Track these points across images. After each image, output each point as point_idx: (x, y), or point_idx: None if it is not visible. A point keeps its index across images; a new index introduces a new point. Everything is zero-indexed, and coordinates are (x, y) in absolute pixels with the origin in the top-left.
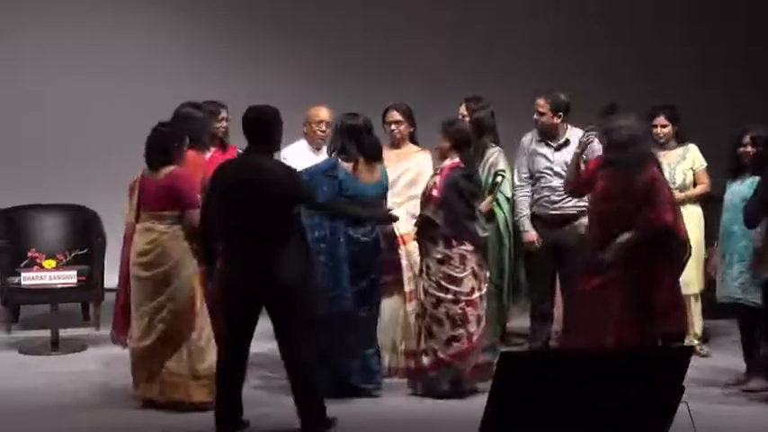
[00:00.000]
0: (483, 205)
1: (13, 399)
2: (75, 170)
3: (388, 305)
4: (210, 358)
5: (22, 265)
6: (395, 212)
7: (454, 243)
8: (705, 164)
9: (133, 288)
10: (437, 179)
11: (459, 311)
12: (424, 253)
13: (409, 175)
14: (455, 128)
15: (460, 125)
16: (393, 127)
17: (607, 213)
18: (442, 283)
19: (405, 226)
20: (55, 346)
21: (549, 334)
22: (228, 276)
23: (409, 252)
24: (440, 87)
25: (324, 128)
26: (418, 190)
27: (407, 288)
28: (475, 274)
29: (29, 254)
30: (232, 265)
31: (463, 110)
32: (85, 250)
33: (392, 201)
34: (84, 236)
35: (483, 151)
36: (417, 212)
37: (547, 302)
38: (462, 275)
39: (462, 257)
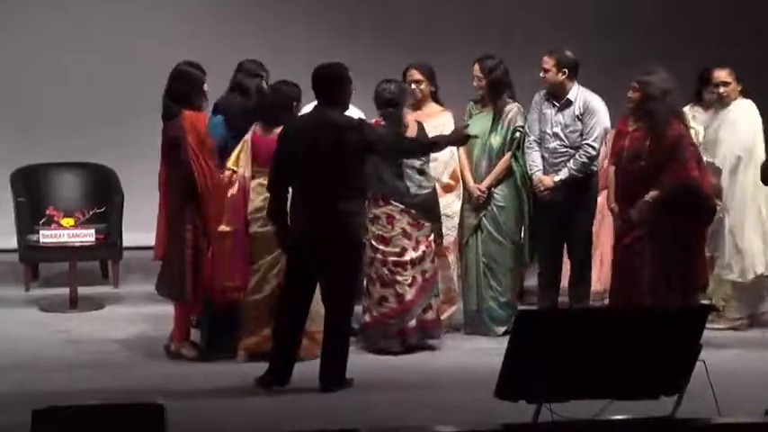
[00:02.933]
0: (501, 162)
1: (34, 355)
2: (93, 129)
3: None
4: (320, 318)
5: (41, 222)
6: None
7: (381, 203)
8: None
9: (251, 243)
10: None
11: (387, 272)
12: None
13: (432, 135)
14: (375, 93)
15: (378, 90)
16: (413, 86)
17: (633, 173)
18: (373, 242)
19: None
20: (74, 303)
21: (555, 297)
22: (297, 230)
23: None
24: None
25: None
26: (439, 152)
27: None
28: (407, 235)
29: (47, 212)
30: (302, 220)
31: (477, 70)
32: (104, 209)
33: (417, 162)
34: (102, 194)
35: (501, 109)
36: (437, 174)
37: (551, 266)
38: (390, 235)
39: (389, 217)
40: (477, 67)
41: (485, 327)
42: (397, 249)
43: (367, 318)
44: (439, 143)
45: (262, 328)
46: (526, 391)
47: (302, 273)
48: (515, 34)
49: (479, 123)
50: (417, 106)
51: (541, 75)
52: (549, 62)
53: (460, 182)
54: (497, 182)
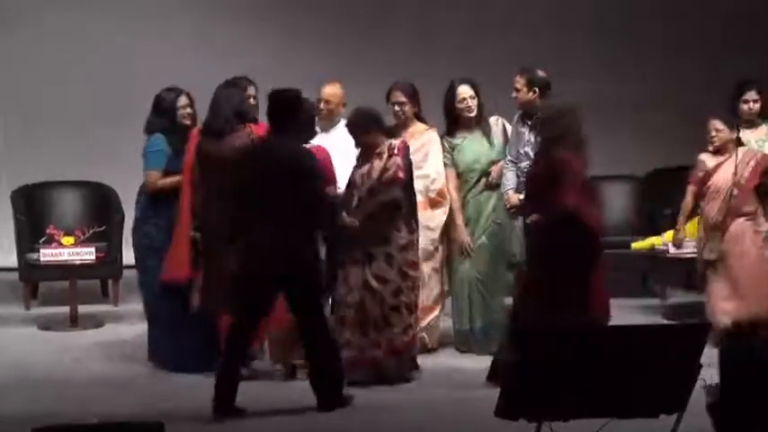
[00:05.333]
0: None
1: (34, 373)
2: (93, 147)
3: None
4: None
5: (41, 241)
6: None
7: (414, 227)
8: None
9: None
10: (397, 159)
11: (414, 298)
12: (381, 241)
13: (418, 155)
14: (366, 116)
15: (364, 111)
16: (397, 108)
17: (527, 196)
18: (404, 269)
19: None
20: (74, 321)
21: None
22: (249, 258)
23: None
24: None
25: (322, 106)
26: (428, 169)
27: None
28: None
29: (47, 230)
30: (253, 249)
31: (468, 93)
32: (104, 227)
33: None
34: (102, 213)
35: (487, 124)
36: (425, 189)
37: None
38: (418, 261)
39: (417, 242)
40: (467, 89)
41: (479, 345)
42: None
43: (379, 352)
44: (333, 227)
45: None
46: (526, 410)
47: (253, 303)
48: (515, 34)
49: (473, 147)
50: (402, 126)
51: (513, 95)
52: (520, 81)
53: (447, 198)
54: (497, 198)
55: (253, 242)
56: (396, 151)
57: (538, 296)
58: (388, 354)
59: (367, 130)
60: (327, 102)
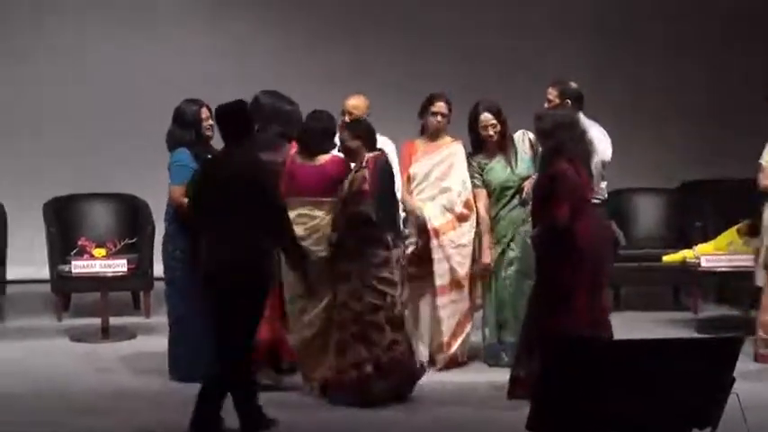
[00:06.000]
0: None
1: (65, 385)
2: (124, 159)
3: (421, 298)
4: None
5: (73, 253)
6: (427, 204)
7: (392, 243)
8: None
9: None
10: (365, 173)
11: (398, 314)
12: (355, 257)
13: (442, 166)
14: (364, 126)
15: (367, 123)
16: (439, 119)
17: (531, 210)
18: (380, 288)
19: (437, 219)
20: (105, 333)
21: None
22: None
23: (443, 245)
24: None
25: (345, 118)
26: (451, 182)
27: (438, 282)
28: (402, 278)
29: (79, 242)
30: (212, 258)
31: (491, 120)
32: (135, 239)
33: (425, 194)
34: (133, 225)
35: (514, 153)
36: (450, 204)
37: None
38: (394, 277)
39: (397, 259)
40: (488, 116)
41: (508, 359)
42: (399, 291)
43: (366, 370)
44: (290, 251)
45: (320, 361)
46: (558, 423)
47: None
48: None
49: (499, 173)
50: (433, 137)
51: (545, 105)
52: (552, 93)
53: (474, 210)
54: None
55: (210, 252)
56: (366, 164)
57: (533, 309)
58: (375, 372)
59: (357, 136)
60: (350, 114)
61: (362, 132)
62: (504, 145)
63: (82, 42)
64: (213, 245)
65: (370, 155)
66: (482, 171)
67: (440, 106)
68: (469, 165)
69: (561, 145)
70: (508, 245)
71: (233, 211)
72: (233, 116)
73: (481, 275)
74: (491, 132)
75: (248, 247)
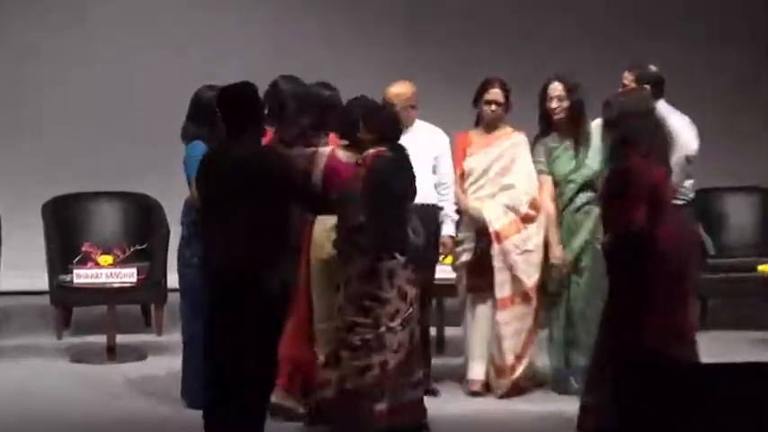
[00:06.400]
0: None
1: (66, 412)
2: (134, 153)
3: (480, 312)
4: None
5: (75, 261)
6: (487, 203)
7: (383, 255)
8: None
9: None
10: (361, 171)
11: (375, 338)
12: (343, 264)
13: (503, 161)
14: (380, 116)
15: (386, 112)
16: (493, 108)
17: (601, 213)
18: (363, 303)
19: (499, 220)
20: (111, 353)
21: None
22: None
23: (506, 251)
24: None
25: None
26: (515, 178)
27: (500, 294)
28: (402, 294)
29: (82, 248)
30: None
31: (559, 91)
32: (146, 245)
33: (484, 191)
34: (144, 228)
35: (588, 137)
36: (514, 203)
37: None
38: (388, 296)
39: (390, 273)
40: (558, 85)
41: (578, 386)
42: (392, 311)
43: (328, 394)
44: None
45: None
46: None
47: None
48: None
49: (563, 163)
50: (489, 128)
51: (620, 90)
52: (628, 77)
53: (541, 211)
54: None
55: (219, 261)
56: (362, 161)
57: (605, 328)
58: (339, 396)
59: (371, 129)
60: (392, 105)
61: (378, 124)
62: (575, 131)
63: (84, 41)
64: (215, 246)
65: (372, 151)
66: (549, 156)
67: (494, 93)
68: (534, 147)
69: (631, 136)
70: (578, 252)
71: (236, 210)
72: (237, 100)
73: (558, 275)
74: (555, 105)
75: (254, 249)
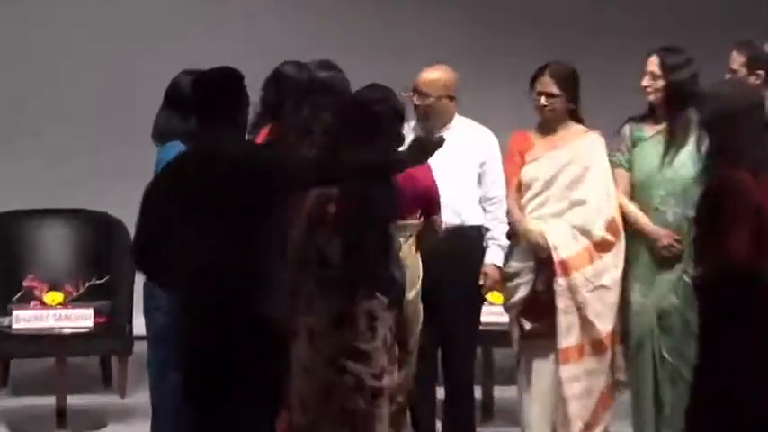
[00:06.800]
0: None
1: None
2: (90, 162)
3: (540, 367)
4: None
5: (14, 299)
6: (551, 224)
7: (359, 293)
8: None
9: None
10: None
11: (362, 405)
12: (310, 308)
13: (572, 169)
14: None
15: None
16: (544, 101)
17: (693, 240)
18: (338, 358)
19: (567, 247)
20: (61, 420)
21: None
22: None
23: (574, 287)
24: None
25: (416, 100)
26: (588, 191)
27: (563, 343)
28: (387, 346)
29: (24, 283)
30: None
31: (654, 66)
32: (106, 278)
33: (547, 209)
34: (104, 256)
35: (686, 130)
36: (586, 224)
37: None
38: (370, 347)
39: (370, 317)
40: (653, 60)
41: None
42: (378, 369)
43: None
44: (395, 162)
45: None
46: None
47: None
48: None
49: (654, 152)
50: (549, 127)
51: (727, 77)
52: (737, 60)
53: (621, 235)
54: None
55: (198, 291)
56: None
57: (697, 394)
58: None
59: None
60: (424, 95)
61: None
62: (672, 122)
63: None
64: (196, 278)
65: None
66: (632, 147)
67: (545, 83)
68: (618, 133)
69: (732, 143)
70: (666, 291)
71: (222, 220)
72: (219, 87)
73: (668, 254)
74: (647, 84)
75: (251, 276)
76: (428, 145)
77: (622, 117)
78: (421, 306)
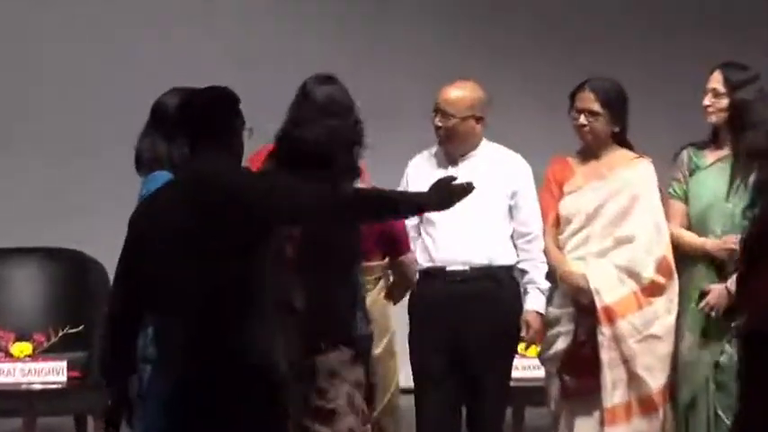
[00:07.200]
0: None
1: None
2: (64, 195)
3: (582, 428)
4: None
5: None
6: (593, 265)
7: (319, 346)
8: None
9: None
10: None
11: None
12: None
13: (618, 201)
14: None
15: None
16: (583, 120)
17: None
18: (303, 419)
19: (612, 291)
20: None
21: None
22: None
23: (620, 336)
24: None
25: (439, 121)
26: (636, 226)
27: (609, 401)
28: (352, 404)
29: None
30: (177, 370)
31: (717, 82)
32: (81, 327)
33: (589, 247)
34: (79, 301)
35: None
36: (634, 265)
37: None
38: (333, 406)
39: (332, 374)
40: (717, 76)
41: None
42: (345, 430)
43: None
44: (419, 203)
45: None
46: None
47: None
48: None
49: (712, 182)
50: (589, 155)
51: None
52: None
53: (674, 276)
54: None
55: (178, 356)
56: None
57: None
58: None
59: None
60: (447, 115)
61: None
62: (734, 144)
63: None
64: (185, 335)
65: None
66: (690, 175)
67: (584, 99)
68: (675, 159)
69: None
70: (705, 341)
71: (214, 272)
72: (211, 108)
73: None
74: (708, 102)
75: (252, 330)
76: (454, 191)
77: (668, 141)
78: (395, 361)
